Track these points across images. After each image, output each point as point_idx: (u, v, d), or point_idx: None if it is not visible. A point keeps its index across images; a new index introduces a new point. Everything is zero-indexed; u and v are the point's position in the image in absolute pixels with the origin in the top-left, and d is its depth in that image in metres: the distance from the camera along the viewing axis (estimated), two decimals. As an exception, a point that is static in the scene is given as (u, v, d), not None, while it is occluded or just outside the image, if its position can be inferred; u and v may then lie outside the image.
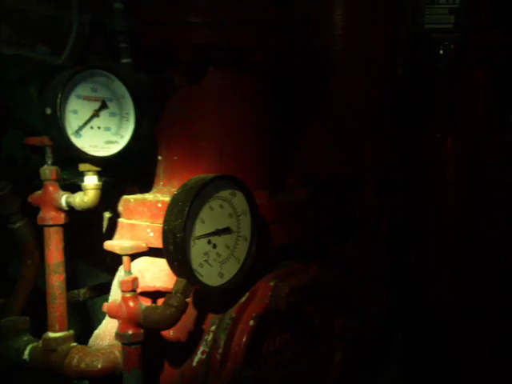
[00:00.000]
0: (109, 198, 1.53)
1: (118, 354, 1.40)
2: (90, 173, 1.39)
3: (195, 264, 1.36)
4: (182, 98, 1.58)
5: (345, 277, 1.75)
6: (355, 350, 1.80)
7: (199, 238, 1.36)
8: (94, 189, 1.39)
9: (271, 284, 1.49)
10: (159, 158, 1.63)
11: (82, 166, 1.39)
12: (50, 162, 1.42)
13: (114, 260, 1.49)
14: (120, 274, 1.45)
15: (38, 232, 1.48)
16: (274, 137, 1.68)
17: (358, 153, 1.97)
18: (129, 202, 1.54)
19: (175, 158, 1.60)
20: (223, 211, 1.41)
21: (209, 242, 1.38)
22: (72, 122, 1.33)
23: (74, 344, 1.45)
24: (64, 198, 1.40)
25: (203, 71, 1.55)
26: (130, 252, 1.38)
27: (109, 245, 1.42)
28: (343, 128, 1.99)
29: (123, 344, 1.36)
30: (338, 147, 1.97)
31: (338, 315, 1.74)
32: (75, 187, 1.43)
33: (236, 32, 1.51)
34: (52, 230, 1.42)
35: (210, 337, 1.44)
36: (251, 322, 1.45)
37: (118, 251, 1.39)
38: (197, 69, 1.54)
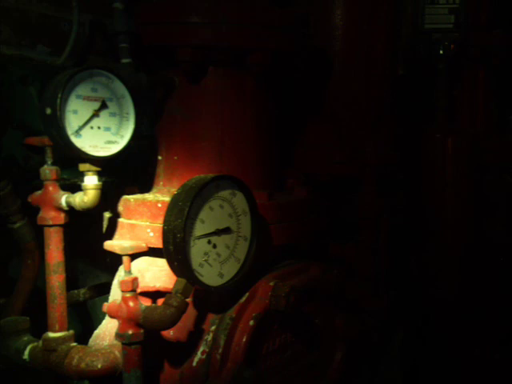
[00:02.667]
0: (109, 197, 1.53)
1: (118, 353, 1.40)
2: (90, 173, 1.39)
3: (195, 264, 1.36)
4: (182, 98, 1.58)
5: (345, 277, 1.75)
6: (355, 350, 1.80)
7: (199, 238, 1.36)
8: (93, 189, 1.39)
9: (271, 284, 1.49)
10: (159, 157, 1.63)
11: (82, 166, 1.38)
12: (49, 162, 1.41)
13: (114, 260, 1.49)
14: (120, 274, 1.45)
15: (38, 232, 1.48)
16: (274, 137, 1.68)
17: (358, 153, 1.97)
18: (129, 202, 1.54)
19: (175, 157, 1.60)
20: (223, 211, 1.41)
21: (209, 242, 1.38)
22: (72, 122, 1.33)
23: (74, 344, 1.44)
24: (64, 198, 1.40)
25: (203, 71, 1.55)
26: (130, 252, 1.38)
27: (109, 245, 1.42)
28: (343, 128, 1.99)
29: (123, 344, 1.36)
30: (338, 147, 1.97)
31: (338, 315, 1.74)
32: (75, 187, 1.43)
33: (236, 32, 1.50)
34: (52, 229, 1.42)
35: (209, 337, 1.44)
36: (251, 322, 1.45)
37: (118, 251, 1.39)
38: (197, 69, 1.54)
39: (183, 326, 1.42)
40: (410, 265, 2.41)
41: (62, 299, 1.44)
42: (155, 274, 1.50)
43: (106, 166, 1.40)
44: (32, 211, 1.45)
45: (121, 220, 1.54)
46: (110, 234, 1.55)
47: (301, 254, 1.70)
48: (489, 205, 2.49)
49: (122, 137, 1.41)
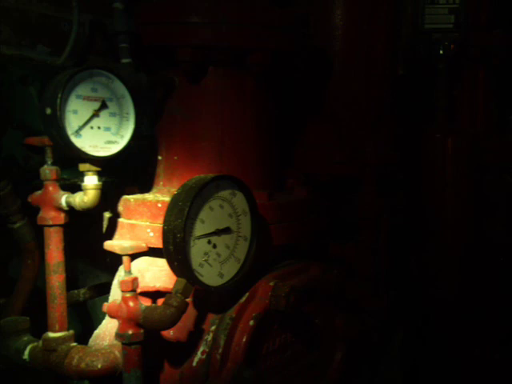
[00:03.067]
0: (109, 197, 1.53)
1: (118, 353, 1.40)
2: (90, 173, 1.39)
3: (195, 264, 1.36)
4: (181, 98, 1.58)
5: (345, 277, 1.75)
6: (355, 350, 1.80)
7: (199, 238, 1.36)
8: (93, 189, 1.39)
9: (271, 284, 1.49)
10: (159, 157, 1.63)
11: (82, 166, 1.39)
12: (49, 162, 1.41)
13: (114, 260, 1.49)
14: (120, 274, 1.45)
15: (38, 232, 1.48)
16: (274, 137, 1.68)
17: (358, 153, 1.97)
18: (129, 202, 1.54)
19: (175, 157, 1.60)
20: (223, 211, 1.41)
21: (209, 242, 1.38)
22: (72, 121, 1.33)
23: (74, 344, 1.44)
24: (64, 198, 1.40)
25: (203, 71, 1.55)
26: (130, 252, 1.38)
27: (109, 245, 1.42)
28: (343, 128, 1.99)
29: (123, 344, 1.36)
30: (338, 147, 1.97)
31: (338, 315, 1.74)
32: (75, 187, 1.43)
33: (236, 32, 1.50)
34: (52, 229, 1.42)
35: (209, 337, 1.44)
36: (251, 322, 1.45)
37: (118, 251, 1.39)
38: (197, 69, 1.54)
39: (183, 326, 1.42)
40: (410, 265, 2.41)
41: (62, 299, 1.44)
42: (155, 274, 1.50)
43: (105, 166, 1.40)
44: (32, 211, 1.45)
45: (121, 220, 1.55)
46: (110, 234, 1.55)
47: (301, 254, 1.70)
48: (489, 205, 2.49)
49: (122, 137, 1.41)
